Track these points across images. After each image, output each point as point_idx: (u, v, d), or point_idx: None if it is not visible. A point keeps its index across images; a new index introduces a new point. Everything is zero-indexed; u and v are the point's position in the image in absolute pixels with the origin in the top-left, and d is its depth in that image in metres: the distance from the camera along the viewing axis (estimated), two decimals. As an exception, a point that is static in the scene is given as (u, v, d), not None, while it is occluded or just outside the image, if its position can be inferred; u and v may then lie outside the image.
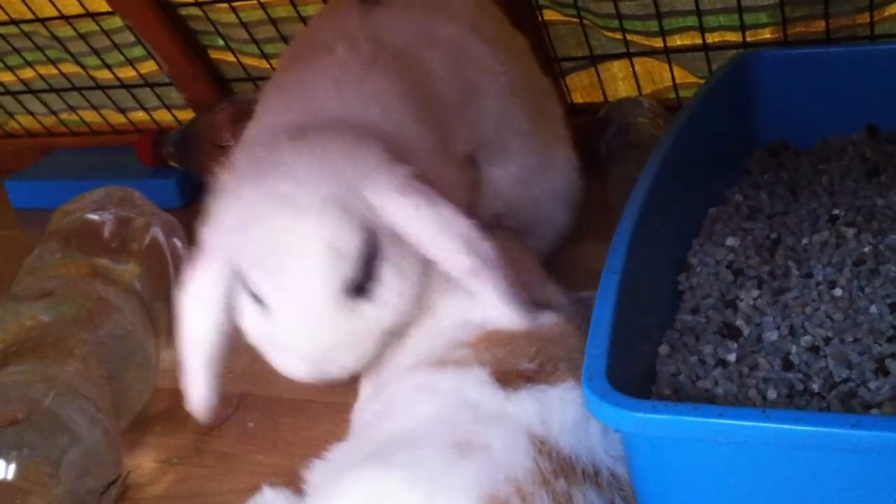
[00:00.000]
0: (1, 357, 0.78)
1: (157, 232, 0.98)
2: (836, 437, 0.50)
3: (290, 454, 0.72)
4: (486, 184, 0.90)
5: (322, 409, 0.85)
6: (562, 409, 0.65)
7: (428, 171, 0.76)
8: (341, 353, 0.73)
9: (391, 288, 0.73)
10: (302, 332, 0.72)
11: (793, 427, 0.50)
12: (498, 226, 0.88)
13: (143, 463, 0.83)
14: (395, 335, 0.75)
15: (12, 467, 0.69)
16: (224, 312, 0.75)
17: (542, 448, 0.62)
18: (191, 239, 1.00)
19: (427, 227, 0.72)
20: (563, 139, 1.00)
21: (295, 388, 0.85)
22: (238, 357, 0.93)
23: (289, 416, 0.85)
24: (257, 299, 0.73)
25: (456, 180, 0.82)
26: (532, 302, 0.75)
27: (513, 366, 0.68)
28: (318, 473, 0.69)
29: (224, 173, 0.78)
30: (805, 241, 0.86)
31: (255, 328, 0.74)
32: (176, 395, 0.91)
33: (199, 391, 0.76)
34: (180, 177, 1.31)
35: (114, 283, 0.89)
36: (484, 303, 0.73)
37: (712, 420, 0.52)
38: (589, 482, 0.62)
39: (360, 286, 0.72)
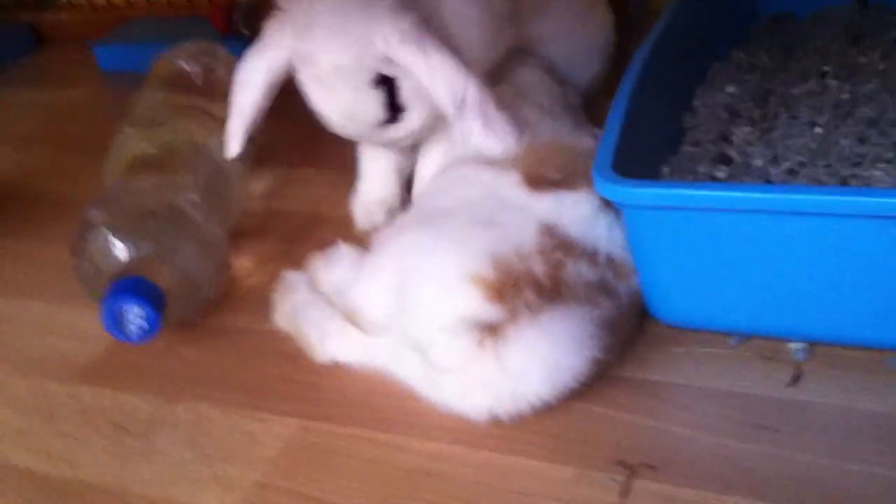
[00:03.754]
0: (129, 171, 0.96)
1: (241, 81, 1.14)
2: (776, 201, 0.67)
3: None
4: (533, 30, 1.04)
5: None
6: (574, 207, 0.79)
7: (442, 12, 0.89)
8: None
9: (414, 109, 0.89)
10: None
11: (751, 195, 0.67)
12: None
13: (241, 263, 1.00)
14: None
15: (150, 247, 0.85)
16: (269, 91, 0.91)
17: (548, 231, 0.77)
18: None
19: (420, 72, 0.85)
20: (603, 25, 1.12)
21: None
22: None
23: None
24: None
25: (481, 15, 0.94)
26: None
27: (542, 174, 0.82)
28: (382, 235, 0.86)
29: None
30: (794, 90, 1.01)
31: None
32: (263, 216, 1.09)
33: (235, 137, 0.94)
34: (250, 41, 1.45)
35: (211, 116, 1.05)
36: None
37: (688, 191, 0.69)
38: (585, 259, 0.76)
39: (391, 118, 0.88)
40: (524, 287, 0.73)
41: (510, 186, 0.81)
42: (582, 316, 0.72)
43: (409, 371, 0.77)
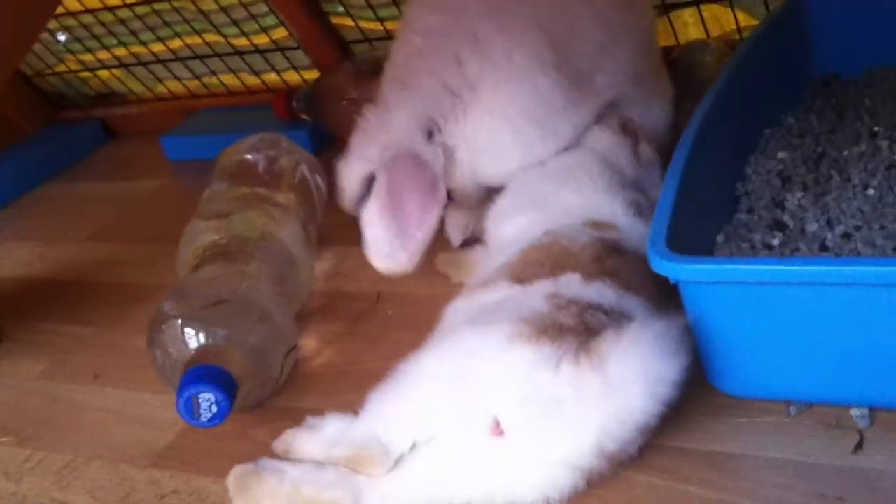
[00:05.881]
0: (200, 262, 1.01)
1: (304, 169, 1.18)
2: (829, 274, 0.68)
3: (423, 331, 0.86)
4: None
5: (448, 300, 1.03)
6: (563, 285, 0.82)
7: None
8: None
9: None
10: None
11: (804, 268, 0.68)
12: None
13: (308, 343, 1.03)
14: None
15: (221, 335, 0.89)
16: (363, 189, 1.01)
17: (553, 296, 0.79)
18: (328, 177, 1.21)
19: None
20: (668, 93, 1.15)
21: (423, 285, 1.06)
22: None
23: (419, 306, 1.03)
24: None
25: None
26: None
27: (528, 275, 0.85)
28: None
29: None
30: (846, 153, 1.02)
31: None
32: (327, 296, 1.13)
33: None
34: (311, 129, 1.49)
35: (276, 205, 1.10)
36: None
37: (742, 266, 0.70)
38: (596, 309, 0.78)
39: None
40: (564, 331, 0.74)
41: (499, 290, 0.84)
42: (667, 325, 0.71)
43: (473, 475, 0.75)
